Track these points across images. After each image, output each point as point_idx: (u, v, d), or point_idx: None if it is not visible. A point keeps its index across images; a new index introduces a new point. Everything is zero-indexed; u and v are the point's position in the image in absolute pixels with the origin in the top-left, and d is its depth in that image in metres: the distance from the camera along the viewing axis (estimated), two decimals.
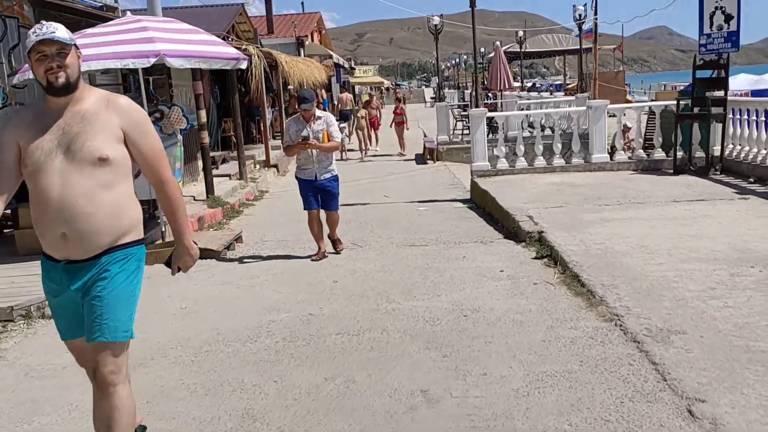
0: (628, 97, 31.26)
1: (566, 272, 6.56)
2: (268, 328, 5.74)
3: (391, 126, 21.76)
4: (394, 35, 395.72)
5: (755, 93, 23.44)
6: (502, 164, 12.56)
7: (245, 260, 8.61)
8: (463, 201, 12.53)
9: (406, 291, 6.61)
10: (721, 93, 11.63)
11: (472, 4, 12.38)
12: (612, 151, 12.89)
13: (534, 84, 60.16)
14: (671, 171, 12.05)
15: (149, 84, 9.90)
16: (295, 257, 8.55)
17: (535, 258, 7.48)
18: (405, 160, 20.30)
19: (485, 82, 51.63)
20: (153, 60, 8.09)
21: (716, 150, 11.79)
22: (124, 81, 12.72)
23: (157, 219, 9.33)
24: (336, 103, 37.63)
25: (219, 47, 9.77)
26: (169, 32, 8.84)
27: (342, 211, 8.95)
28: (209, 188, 12.15)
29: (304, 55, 30.33)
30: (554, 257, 7.16)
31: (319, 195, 8.39)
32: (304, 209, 8.46)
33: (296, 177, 8.59)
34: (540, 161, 12.55)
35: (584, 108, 12.74)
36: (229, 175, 15.17)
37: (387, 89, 71.01)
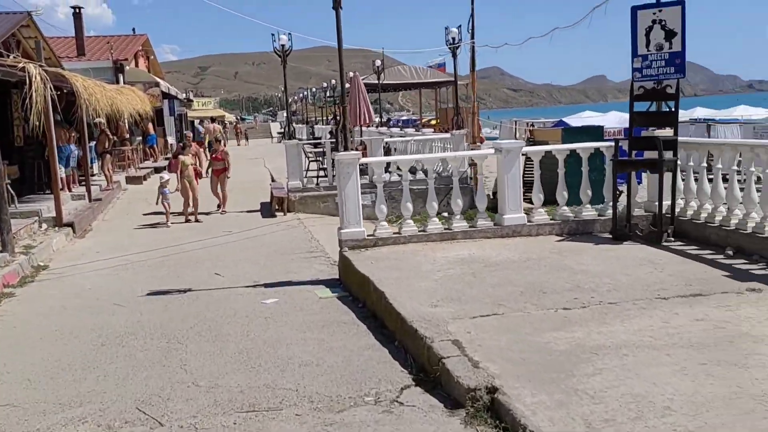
0: (482, 135, 29.13)
1: None
2: None
3: (206, 174, 16.63)
4: (239, 69, 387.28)
5: (627, 132, 21.75)
6: (384, 229, 8.87)
7: None
8: (331, 284, 8.70)
9: None
10: (670, 132, 8.74)
11: (337, 5, 8.78)
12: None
13: (389, 119, 58.02)
14: (607, 235, 8.97)
15: None
16: None
17: None
18: (248, 211, 16.14)
19: (336, 117, 48.48)
20: None
21: (658, 206, 8.86)
22: None
23: None
24: (202, 133, 32.62)
25: None
26: None
27: (145, 306, 4.98)
28: None
29: (124, 82, 25.33)
30: None
31: None
32: None
33: None
34: (435, 224, 9.01)
35: (491, 151, 9.42)
36: None
37: (230, 123, 66.10)
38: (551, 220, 9.16)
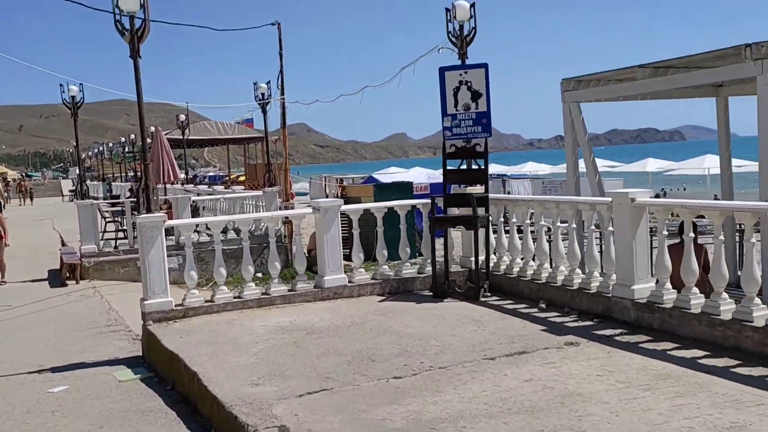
0: (291, 191, 28.93)
1: None
2: None
3: None
4: (24, 122, 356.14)
5: (433, 187, 22.69)
6: (194, 298, 8.07)
7: None
8: (133, 363, 7.73)
9: None
10: (481, 189, 8.95)
11: (135, 54, 8.02)
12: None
13: (195, 176, 55.99)
14: (428, 292, 8.90)
15: None
16: None
17: None
18: (33, 281, 14.29)
19: (137, 174, 45.73)
20: None
21: (474, 261, 8.99)
22: None
23: None
24: None
25: None
26: None
27: None
28: None
29: None
30: None
31: None
32: None
33: None
34: (252, 290, 8.37)
35: (309, 210, 9.01)
36: None
37: (13, 181, 60.05)
38: (372, 279, 8.92)
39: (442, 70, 9.37)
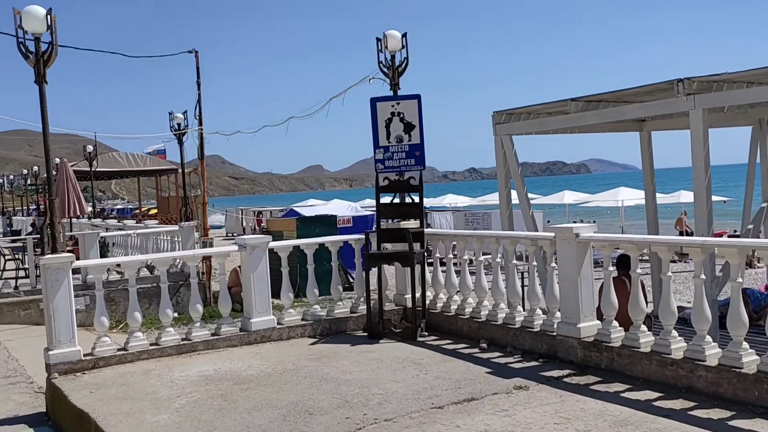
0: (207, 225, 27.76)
1: None
2: None
3: None
4: None
5: (357, 220, 22.31)
6: (106, 346, 7.28)
7: None
8: (36, 421, 6.88)
9: None
10: (416, 224, 8.62)
11: (40, 79, 7.28)
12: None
13: (103, 209, 53.48)
14: (362, 333, 8.44)
15: None
16: None
17: None
18: None
19: (38, 206, 43.14)
20: None
21: (411, 299, 8.63)
22: None
23: None
24: None
25: None
26: None
27: None
28: None
29: None
30: None
31: None
32: None
33: None
34: (171, 335, 7.66)
35: (234, 248, 8.37)
36: None
37: None
38: (303, 320, 8.38)
39: (374, 101, 9.06)
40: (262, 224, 40.15)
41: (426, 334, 8.19)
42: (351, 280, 13.24)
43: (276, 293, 8.39)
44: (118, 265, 13.54)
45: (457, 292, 8.41)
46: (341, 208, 22.94)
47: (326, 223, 17.45)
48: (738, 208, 15.09)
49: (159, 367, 7.12)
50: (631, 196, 27.50)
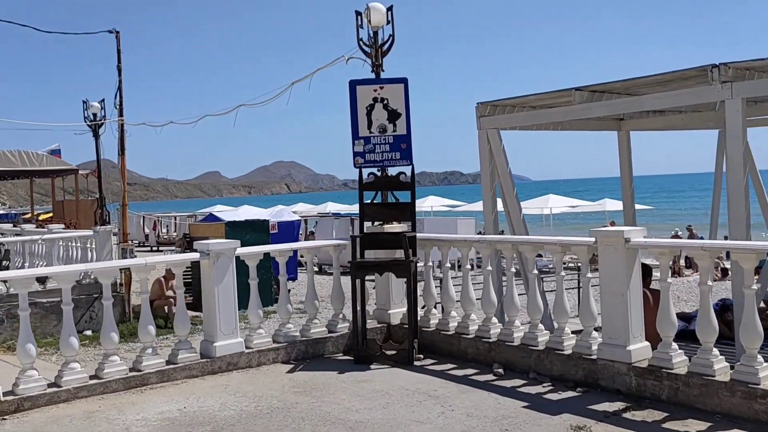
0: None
1: None
2: None
3: None
4: None
5: (282, 225, 20.74)
6: (33, 382, 5.62)
7: None
8: None
9: None
10: (404, 227, 7.40)
11: None
12: None
13: None
14: (344, 356, 7.13)
15: None
16: None
17: None
18: None
19: None
20: None
21: (409, 316, 7.44)
22: None
23: None
24: None
25: None
26: None
27: None
28: None
29: None
30: None
31: None
32: None
33: None
34: (115, 366, 6.05)
35: (195, 255, 6.83)
36: None
37: None
38: (275, 343, 6.96)
39: (353, 84, 7.81)
40: (162, 232, 37.58)
41: (421, 356, 6.98)
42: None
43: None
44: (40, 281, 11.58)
45: (455, 306, 7.28)
46: (255, 214, 21.32)
47: (257, 229, 15.88)
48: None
49: (105, 408, 5.54)
50: (560, 204, 27.32)
